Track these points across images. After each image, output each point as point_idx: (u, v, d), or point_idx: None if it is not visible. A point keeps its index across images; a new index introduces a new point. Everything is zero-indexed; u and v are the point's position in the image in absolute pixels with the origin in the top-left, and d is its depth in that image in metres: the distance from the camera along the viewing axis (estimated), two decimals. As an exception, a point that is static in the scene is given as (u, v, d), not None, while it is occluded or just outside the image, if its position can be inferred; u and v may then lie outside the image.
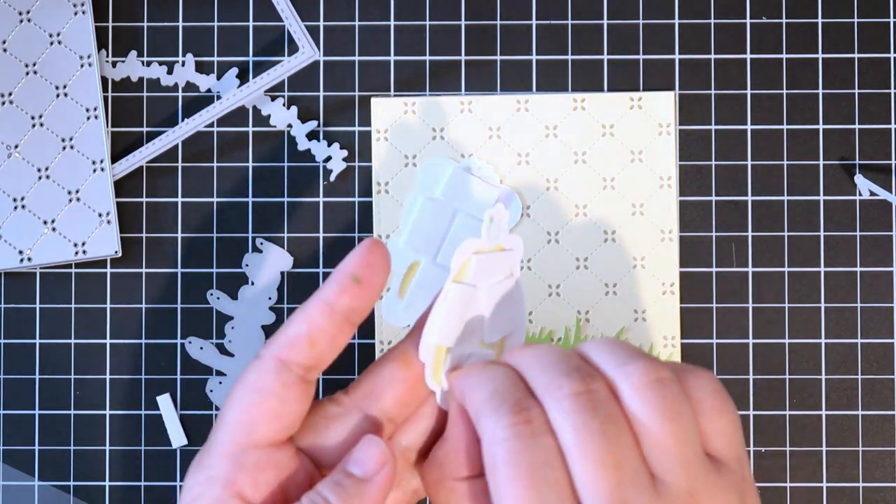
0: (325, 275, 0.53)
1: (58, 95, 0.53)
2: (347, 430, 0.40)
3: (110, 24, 0.54)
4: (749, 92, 0.53)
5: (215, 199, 0.54)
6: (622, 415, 0.33)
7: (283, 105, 0.54)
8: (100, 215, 0.53)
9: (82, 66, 0.53)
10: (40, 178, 0.53)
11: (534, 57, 0.54)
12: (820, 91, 0.53)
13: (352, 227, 0.53)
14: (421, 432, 0.40)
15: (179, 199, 0.54)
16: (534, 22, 0.54)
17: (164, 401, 0.53)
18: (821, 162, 0.53)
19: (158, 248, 0.53)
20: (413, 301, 0.52)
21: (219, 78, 0.54)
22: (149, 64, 0.54)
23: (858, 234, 0.53)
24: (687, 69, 0.53)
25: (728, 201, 0.53)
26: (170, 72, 0.54)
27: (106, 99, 0.54)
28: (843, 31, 0.53)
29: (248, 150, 0.54)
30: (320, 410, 0.40)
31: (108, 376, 0.53)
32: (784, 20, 0.54)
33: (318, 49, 0.54)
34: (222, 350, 0.53)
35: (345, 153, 0.53)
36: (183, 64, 0.54)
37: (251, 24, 0.54)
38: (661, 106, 0.53)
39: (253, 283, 0.53)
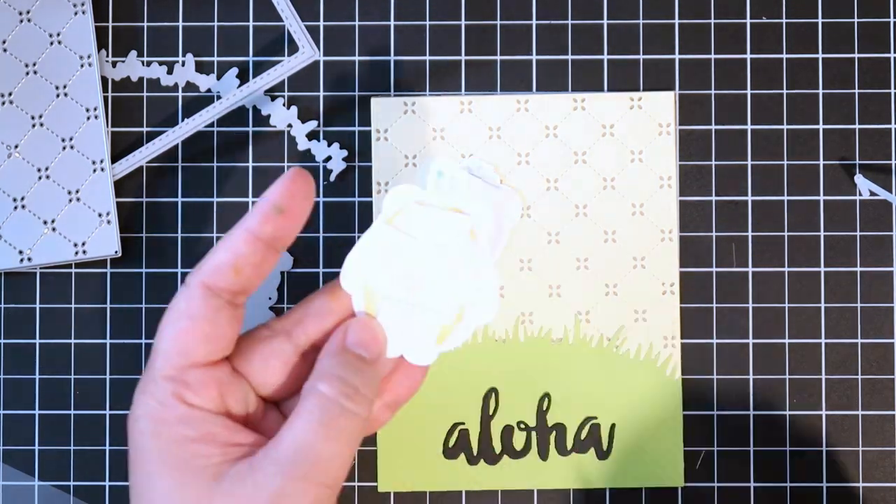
0: (325, 275, 0.53)
1: (58, 95, 0.53)
2: (274, 354, 0.42)
3: (110, 24, 0.54)
4: (749, 92, 0.53)
5: (215, 199, 0.54)
6: None
7: (283, 105, 0.54)
8: (100, 215, 0.53)
9: (82, 66, 0.53)
10: (40, 178, 0.53)
11: (534, 57, 0.54)
12: (820, 91, 0.53)
13: (352, 227, 0.53)
14: None
15: (179, 199, 0.54)
16: (534, 22, 0.54)
17: (164, 401, 0.53)
18: (821, 162, 0.53)
19: (158, 248, 0.53)
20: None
21: (219, 78, 0.54)
22: (149, 64, 0.54)
23: (858, 234, 0.53)
24: (687, 69, 0.53)
25: (728, 201, 0.53)
26: (170, 72, 0.54)
27: (106, 99, 0.54)
28: (843, 31, 0.53)
29: (248, 150, 0.54)
30: (252, 333, 0.42)
31: (108, 376, 0.53)
32: (784, 20, 0.54)
33: (318, 49, 0.54)
34: (222, 350, 0.53)
35: (345, 153, 0.53)
36: (183, 64, 0.54)
37: (251, 24, 0.54)
38: (661, 106, 0.53)
39: (253, 283, 0.53)
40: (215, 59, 0.54)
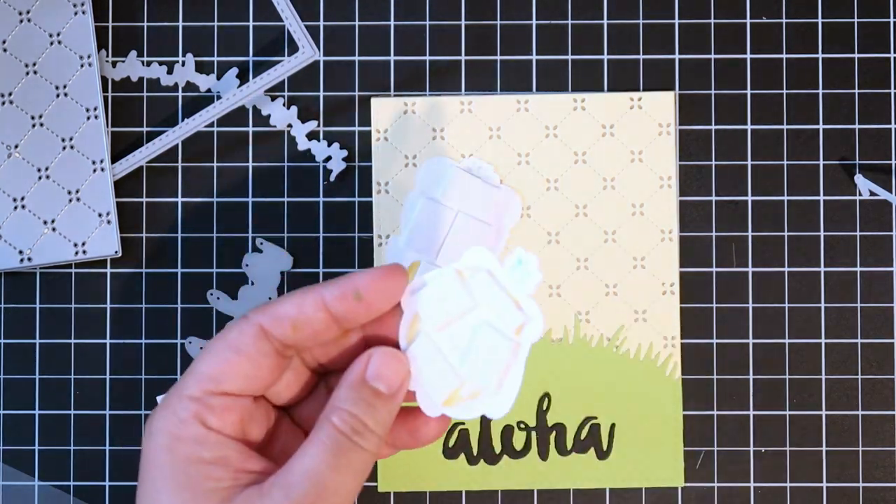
0: (325, 275, 0.53)
1: (58, 95, 0.53)
2: (289, 368, 0.41)
3: (110, 24, 0.54)
4: (749, 92, 0.53)
5: (215, 199, 0.54)
6: None
7: (283, 105, 0.54)
8: (100, 215, 0.53)
9: (82, 66, 0.53)
10: (40, 178, 0.53)
11: (534, 57, 0.54)
12: (820, 91, 0.53)
13: (352, 227, 0.53)
14: None
15: (179, 199, 0.54)
16: (534, 22, 0.54)
17: (164, 401, 0.53)
18: (821, 162, 0.53)
19: (158, 248, 0.53)
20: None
21: (219, 78, 0.54)
22: (149, 64, 0.54)
23: (858, 234, 0.53)
24: (687, 69, 0.53)
25: (728, 201, 0.53)
26: (170, 72, 0.54)
27: (106, 99, 0.54)
28: (843, 31, 0.53)
29: (248, 150, 0.54)
30: None
31: (108, 376, 0.53)
32: (784, 20, 0.54)
33: (318, 49, 0.54)
34: (222, 350, 0.53)
35: (345, 153, 0.53)
36: (183, 64, 0.54)
37: (251, 24, 0.54)
38: (661, 106, 0.53)
39: (253, 283, 0.53)
40: (215, 59, 0.54)
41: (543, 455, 0.52)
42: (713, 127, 0.53)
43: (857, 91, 0.53)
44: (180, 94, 0.54)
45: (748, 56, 0.53)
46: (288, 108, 0.54)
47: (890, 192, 0.53)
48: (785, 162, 0.53)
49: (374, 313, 0.40)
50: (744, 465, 0.53)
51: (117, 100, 0.54)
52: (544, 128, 0.53)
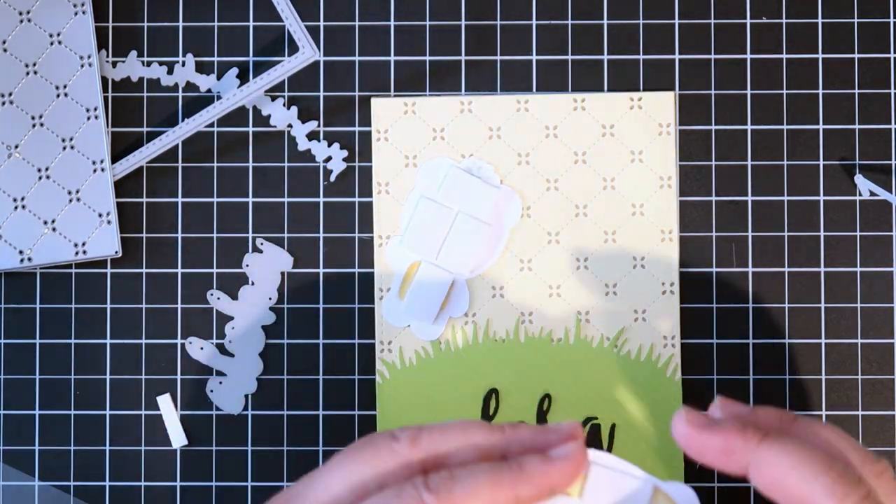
0: (325, 275, 0.53)
1: (58, 95, 0.53)
2: None
3: (110, 24, 0.54)
4: (749, 92, 0.53)
5: (215, 199, 0.54)
6: None
7: (283, 105, 0.54)
8: (100, 215, 0.53)
9: (82, 66, 0.53)
10: (40, 178, 0.53)
11: (534, 57, 0.54)
12: (820, 91, 0.53)
13: (352, 227, 0.53)
14: None
15: (179, 199, 0.54)
16: (534, 22, 0.54)
17: (164, 401, 0.53)
18: (821, 162, 0.53)
19: (158, 248, 0.53)
20: (413, 301, 0.52)
21: (219, 78, 0.54)
22: (149, 64, 0.54)
23: (858, 234, 0.53)
24: (687, 69, 0.53)
25: (728, 201, 0.53)
26: (170, 72, 0.54)
27: (106, 99, 0.54)
28: (843, 31, 0.53)
29: (248, 150, 0.54)
30: None
31: (108, 376, 0.53)
32: (784, 20, 0.54)
33: (318, 49, 0.54)
34: (222, 350, 0.53)
35: (345, 153, 0.53)
36: (183, 64, 0.54)
37: (251, 24, 0.54)
38: (661, 106, 0.53)
39: (253, 283, 0.53)
40: (215, 59, 0.54)
41: (543, 455, 0.52)
42: (713, 127, 0.53)
43: (857, 91, 0.53)
44: (180, 94, 0.54)
45: (748, 56, 0.53)
46: (288, 108, 0.54)
47: (890, 192, 0.53)
48: (785, 162, 0.53)
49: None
50: (744, 465, 0.52)
51: (117, 100, 0.54)
52: (544, 128, 0.53)
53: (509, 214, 0.53)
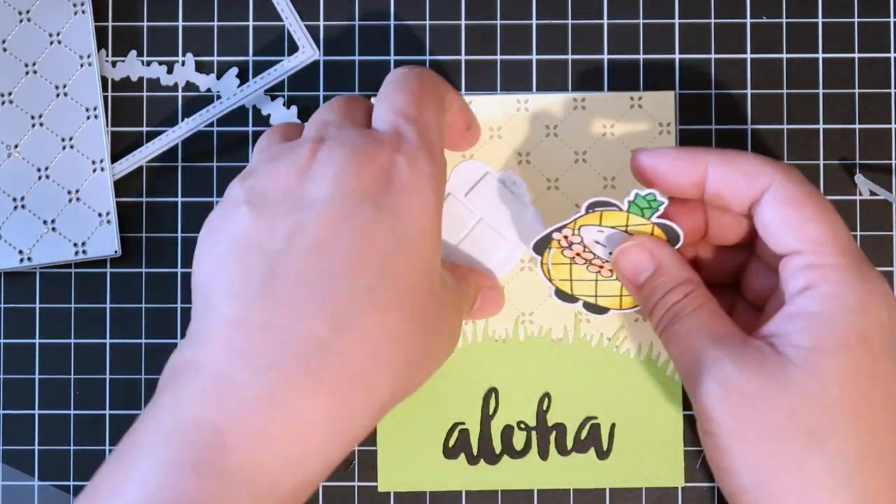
0: (325, 275, 0.53)
1: (58, 95, 0.53)
2: None
3: (110, 24, 0.54)
4: (749, 92, 0.53)
5: (215, 199, 0.54)
6: None
7: (283, 105, 0.54)
8: (100, 215, 0.53)
9: (82, 65, 0.53)
10: (40, 178, 0.53)
11: (534, 57, 0.54)
12: (820, 91, 0.53)
13: (352, 227, 0.53)
14: None
15: (179, 199, 0.54)
16: (534, 22, 0.54)
17: (164, 401, 0.53)
18: (821, 162, 0.53)
19: (158, 248, 0.53)
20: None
21: (219, 78, 0.54)
22: (149, 64, 0.54)
23: (858, 234, 0.53)
24: (687, 69, 0.53)
25: (728, 201, 0.53)
26: (170, 72, 0.54)
27: (106, 99, 0.54)
28: (843, 31, 0.53)
29: (248, 150, 0.54)
30: None
31: (108, 376, 0.53)
32: (784, 20, 0.54)
33: (318, 49, 0.54)
34: (222, 350, 0.53)
35: (345, 153, 0.53)
36: (183, 64, 0.54)
37: (251, 24, 0.54)
38: (661, 106, 0.53)
39: (253, 283, 0.53)
40: (215, 59, 0.54)
41: (543, 455, 0.52)
42: (713, 127, 0.53)
43: (857, 91, 0.53)
44: (180, 94, 0.54)
45: (748, 56, 0.53)
46: (288, 107, 0.54)
47: (890, 192, 0.53)
48: (785, 162, 0.53)
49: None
50: (744, 465, 0.52)
51: (117, 100, 0.54)
52: (544, 128, 0.53)
53: (526, 237, 0.52)
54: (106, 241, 0.53)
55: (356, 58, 0.54)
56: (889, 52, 0.53)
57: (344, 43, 0.54)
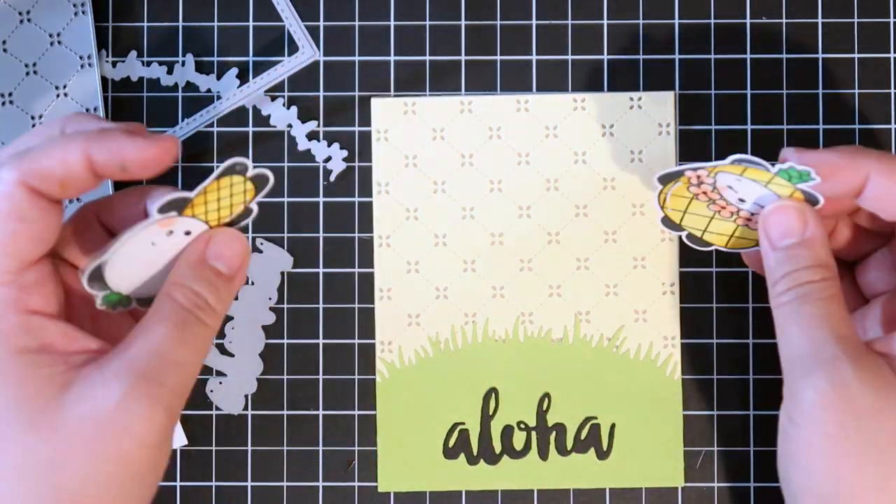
0: (325, 275, 0.53)
1: (58, 95, 0.53)
2: (92, 239, 0.42)
3: (110, 24, 0.54)
4: (749, 92, 0.53)
5: (215, 199, 0.53)
6: None
7: (283, 105, 0.54)
8: (100, 215, 0.53)
9: (82, 66, 0.53)
10: (40, 178, 0.53)
11: (534, 57, 0.54)
12: (820, 91, 0.53)
13: (352, 227, 0.53)
14: None
15: (179, 199, 0.54)
16: (534, 22, 0.54)
17: (164, 401, 0.53)
18: (821, 162, 0.53)
19: (158, 248, 0.53)
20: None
21: (219, 78, 0.54)
22: (149, 64, 0.54)
23: (858, 234, 0.53)
24: (687, 69, 0.53)
25: (728, 201, 0.53)
26: (170, 72, 0.54)
27: (106, 99, 0.54)
28: (843, 31, 0.53)
29: (248, 150, 0.54)
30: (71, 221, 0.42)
31: (108, 376, 0.53)
32: (784, 20, 0.54)
33: (318, 49, 0.54)
34: (222, 350, 0.53)
35: (345, 153, 0.53)
36: (183, 64, 0.54)
37: (251, 24, 0.54)
38: (661, 106, 0.53)
39: (253, 283, 0.53)
40: (215, 59, 0.54)
41: (543, 455, 0.52)
42: (713, 127, 0.53)
43: (856, 91, 0.53)
44: (180, 94, 0.54)
45: (748, 56, 0.53)
46: (288, 108, 0.54)
47: (890, 192, 0.53)
48: None
49: (141, 178, 0.40)
50: (744, 465, 0.53)
51: (117, 100, 0.54)
52: (544, 128, 0.53)
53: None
54: (106, 242, 0.53)
55: (356, 58, 0.54)
56: (889, 52, 0.53)
57: (344, 43, 0.54)
